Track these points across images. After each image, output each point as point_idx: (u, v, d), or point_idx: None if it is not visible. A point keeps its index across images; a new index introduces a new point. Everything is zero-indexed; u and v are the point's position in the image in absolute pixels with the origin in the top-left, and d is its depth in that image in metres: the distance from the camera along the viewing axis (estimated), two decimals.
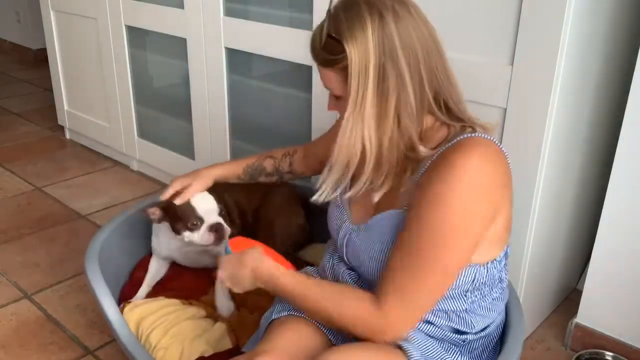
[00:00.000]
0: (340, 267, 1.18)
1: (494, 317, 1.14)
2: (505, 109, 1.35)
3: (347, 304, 1.03)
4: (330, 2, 1.04)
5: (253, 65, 2.04)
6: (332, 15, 1.02)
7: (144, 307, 1.47)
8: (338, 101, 1.08)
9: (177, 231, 1.47)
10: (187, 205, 1.45)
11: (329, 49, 1.02)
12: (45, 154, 2.87)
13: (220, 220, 1.46)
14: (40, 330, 1.66)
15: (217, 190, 1.59)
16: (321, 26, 1.05)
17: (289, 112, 1.98)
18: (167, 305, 1.49)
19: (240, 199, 1.67)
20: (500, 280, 1.12)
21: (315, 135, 1.85)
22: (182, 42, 2.16)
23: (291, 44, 1.81)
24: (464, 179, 0.96)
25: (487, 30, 1.35)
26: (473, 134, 1.03)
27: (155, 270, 1.63)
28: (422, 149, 1.04)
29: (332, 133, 1.39)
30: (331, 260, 1.21)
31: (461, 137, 1.02)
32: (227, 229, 1.46)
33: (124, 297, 1.57)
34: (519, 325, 1.19)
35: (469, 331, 1.10)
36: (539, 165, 1.34)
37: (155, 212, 1.48)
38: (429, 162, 1.03)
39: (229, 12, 1.98)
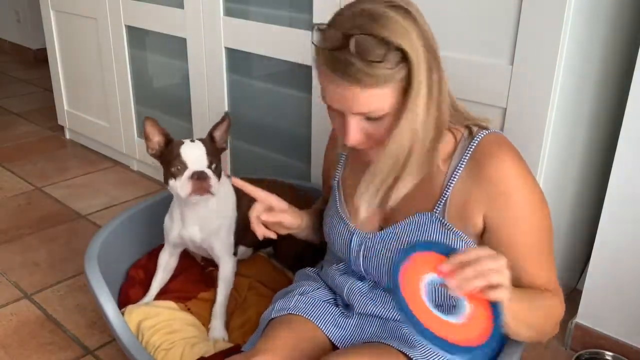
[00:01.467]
0: (347, 279, 1.18)
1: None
2: (505, 109, 1.35)
3: (549, 304, 1.07)
4: (342, 21, 0.94)
5: (253, 65, 2.04)
6: (359, 26, 0.91)
7: (144, 309, 1.47)
8: (374, 122, 0.98)
9: (165, 178, 1.42)
10: (175, 148, 1.39)
11: (388, 58, 0.91)
12: (45, 154, 2.87)
13: (204, 169, 1.37)
14: (40, 330, 1.66)
15: (239, 193, 1.58)
16: (357, 48, 0.90)
17: (289, 112, 1.98)
18: (167, 309, 1.49)
19: None
20: None
21: (314, 134, 1.85)
22: (182, 42, 2.16)
23: (291, 44, 1.81)
24: (528, 180, 1.03)
25: (487, 30, 1.35)
26: (489, 131, 1.05)
27: (165, 263, 1.60)
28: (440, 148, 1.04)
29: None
30: (337, 274, 1.20)
31: (481, 135, 1.04)
32: (213, 180, 1.38)
33: (123, 297, 1.57)
34: None
35: None
36: (539, 165, 1.34)
37: (154, 136, 1.44)
38: (461, 167, 1.03)
39: (229, 12, 1.98)
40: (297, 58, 1.81)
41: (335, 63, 0.92)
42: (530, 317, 0.99)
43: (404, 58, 0.92)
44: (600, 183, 1.61)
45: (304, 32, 1.75)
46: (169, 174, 1.40)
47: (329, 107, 1.00)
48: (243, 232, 1.56)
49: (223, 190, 1.47)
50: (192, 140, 1.43)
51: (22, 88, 3.92)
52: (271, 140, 2.07)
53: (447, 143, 1.06)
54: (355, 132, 0.99)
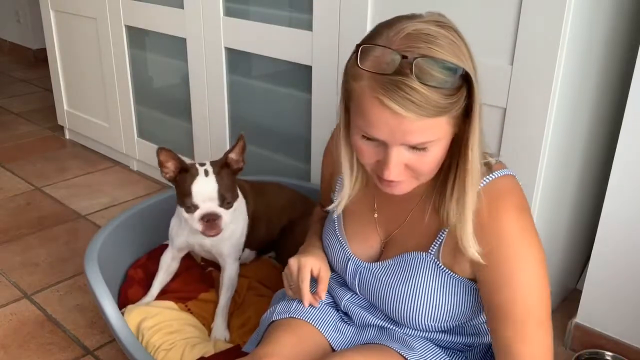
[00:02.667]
0: (345, 293, 1.17)
1: None
2: (505, 109, 1.35)
3: None
4: (392, 42, 0.86)
5: (253, 65, 2.04)
6: (417, 48, 0.83)
7: (144, 309, 1.47)
8: (419, 152, 0.90)
9: (178, 203, 1.44)
10: (188, 182, 1.39)
11: (452, 84, 0.84)
12: (45, 154, 2.87)
13: (216, 209, 1.39)
14: (39, 330, 1.66)
15: (252, 192, 1.58)
16: (419, 72, 0.82)
17: (289, 112, 1.98)
18: (167, 309, 1.49)
19: (272, 209, 1.64)
20: None
21: (314, 134, 1.85)
22: (182, 42, 2.16)
23: (291, 44, 1.81)
24: (530, 230, 0.96)
25: (487, 30, 1.35)
26: (503, 172, 0.99)
27: (167, 265, 1.60)
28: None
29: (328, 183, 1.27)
30: (336, 285, 1.20)
31: (491, 177, 0.98)
32: (223, 220, 1.40)
33: (122, 297, 1.57)
34: None
35: (478, 340, 1.10)
36: (539, 165, 1.34)
37: (169, 164, 1.42)
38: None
39: (228, 12, 1.98)
40: (297, 58, 1.81)
41: (393, 89, 0.83)
42: None
43: (465, 81, 0.86)
44: (600, 183, 1.61)
45: (304, 32, 1.75)
46: (182, 206, 1.42)
47: (364, 137, 0.91)
48: (250, 235, 1.57)
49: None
50: (206, 171, 1.41)
51: (22, 88, 3.91)
52: (271, 140, 2.07)
53: None
54: (398, 165, 0.91)
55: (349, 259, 1.13)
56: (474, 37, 1.37)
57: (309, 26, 1.73)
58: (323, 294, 1.13)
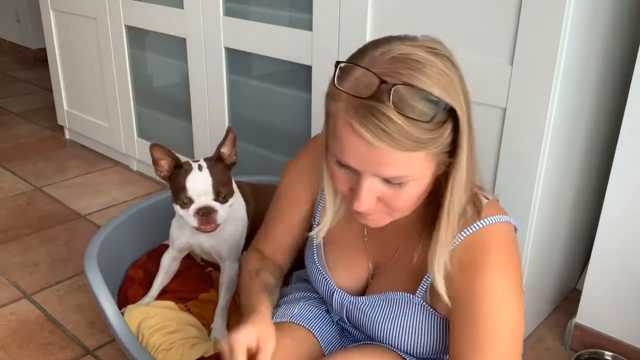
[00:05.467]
0: (335, 316, 1.16)
1: None
2: (505, 109, 1.35)
3: None
4: (375, 63, 0.79)
5: (253, 65, 2.04)
6: (399, 74, 0.76)
7: (143, 309, 1.47)
8: (393, 187, 0.83)
9: (173, 201, 1.43)
10: (182, 177, 1.37)
11: (434, 119, 0.76)
12: (45, 153, 2.87)
13: (211, 203, 1.37)
14: (39, 330, 1.66)
15: (252, 193, 1.57)
16: (398, 101, 0.74)
17: (289, 112, 1.98)
18: (167, 309, 1.49)
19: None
20: None
21: (314, 134, 1.85)
22: (182, 42, 2.16)
23: (291, 44, 1.81)
24: (512, 289, 0.89)
25: (487, 30, 1.35)
26: (494, 219, 0.91)
27: (168, 266, 1.59)
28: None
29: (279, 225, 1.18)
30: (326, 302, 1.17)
31: (483, 223, 0.91)
32: (219, 215, 1.38)
33: (122, 297, 1.57)
34: None
35: None
36: (539, 165, 1.34)
37: (162, 161, 1.40)
38: (450, 247, 0.90)
39: (228, 12, 1.98)
40: (297, 58, 1.81)
41: (366, 115, 0.75)
42: None
43: (450, 116, 0.79)
44: (600, 183, 1.61)
45: (304, 32, 1.75)
46: (177, 202, 1.41)
47: (337, 163, 0.85)
48: (250, 236, 1.57)
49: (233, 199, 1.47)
50: (200, 166, 1.40)
51: (22, 88, 3.91)
52: (271, 140, 2.07)
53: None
54: (369, 197, 0.83)
55: (334, 291, 1.09)
56: (474, 37, 1.38)
57: (309, 26, 1.73)
58: None
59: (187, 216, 1.39)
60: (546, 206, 1.43)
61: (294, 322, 1.13)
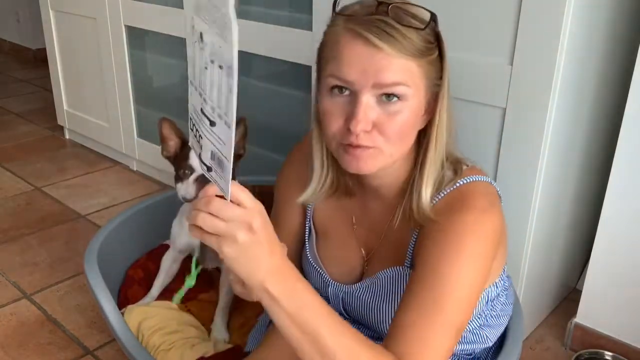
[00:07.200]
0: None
1: (505, 323, 1.14)
2: (505, 109, 1.35)
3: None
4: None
5: (253, 65, 2.04)
6: (392, 2, 0.86)
7: (143, 310, 1.47)
8: (389, 107, 0.86)
9: (175, 178, 1.40)
10: (186, 152, 1.36)
11: (426, 31, 0.86)
12: (45, 153, 2.87)
13: None
14: (39, 330, 1.66)
15: (258, 195, 1.57)
16: (395, 15, 0.84)
17: (289, 112, 1.98)
18: (167, 309, 1.49)
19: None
20: (505, 288, 1.11)
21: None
22: (182, 42, 2.16)
23: (291, 44, 1.81)
24: (480, 236, 0.89)
25: (487, 30, 1.35)
26: (474, 178, 0.95)
27: (168, 267, 1.59)
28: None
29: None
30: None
31: (462, 181, 0.95)
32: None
33: (122, 297, 1.57)
34: (517, 326, 1.19)
35: (481, 347, 1.10)
36: (539, 165, 1.34)
37: (171, 139, 1.38)
38: (431, 208, 0.93)
39: None
40: (297, 58, 1.81)
41: (369, 23, 0.83)
42: (314, 336, 0.76)
43: (437, 40, 0.88)
44: (600, 183, 1.61)
45: (304, 32, 1.75)
46: (177, 177, 1.39)
47: (332, 91, 0.87)
48: None
49: None
50: None
51: (21, 88, 3.91)
52: (271, 141, 2.07)
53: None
54: (366, 116, 0.85)
55: (328, 284, 1.10)
56: (474, 36, 1.38)
57: (309, 26, 1.73)
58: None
59: (185, 186, 1.36)
60: (546, 206, 1.43)
61: None
